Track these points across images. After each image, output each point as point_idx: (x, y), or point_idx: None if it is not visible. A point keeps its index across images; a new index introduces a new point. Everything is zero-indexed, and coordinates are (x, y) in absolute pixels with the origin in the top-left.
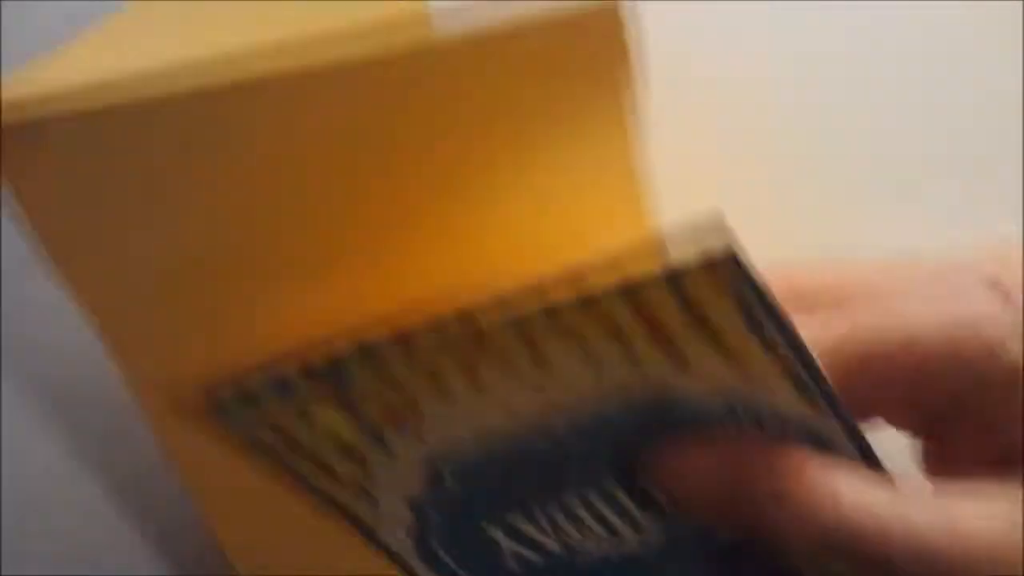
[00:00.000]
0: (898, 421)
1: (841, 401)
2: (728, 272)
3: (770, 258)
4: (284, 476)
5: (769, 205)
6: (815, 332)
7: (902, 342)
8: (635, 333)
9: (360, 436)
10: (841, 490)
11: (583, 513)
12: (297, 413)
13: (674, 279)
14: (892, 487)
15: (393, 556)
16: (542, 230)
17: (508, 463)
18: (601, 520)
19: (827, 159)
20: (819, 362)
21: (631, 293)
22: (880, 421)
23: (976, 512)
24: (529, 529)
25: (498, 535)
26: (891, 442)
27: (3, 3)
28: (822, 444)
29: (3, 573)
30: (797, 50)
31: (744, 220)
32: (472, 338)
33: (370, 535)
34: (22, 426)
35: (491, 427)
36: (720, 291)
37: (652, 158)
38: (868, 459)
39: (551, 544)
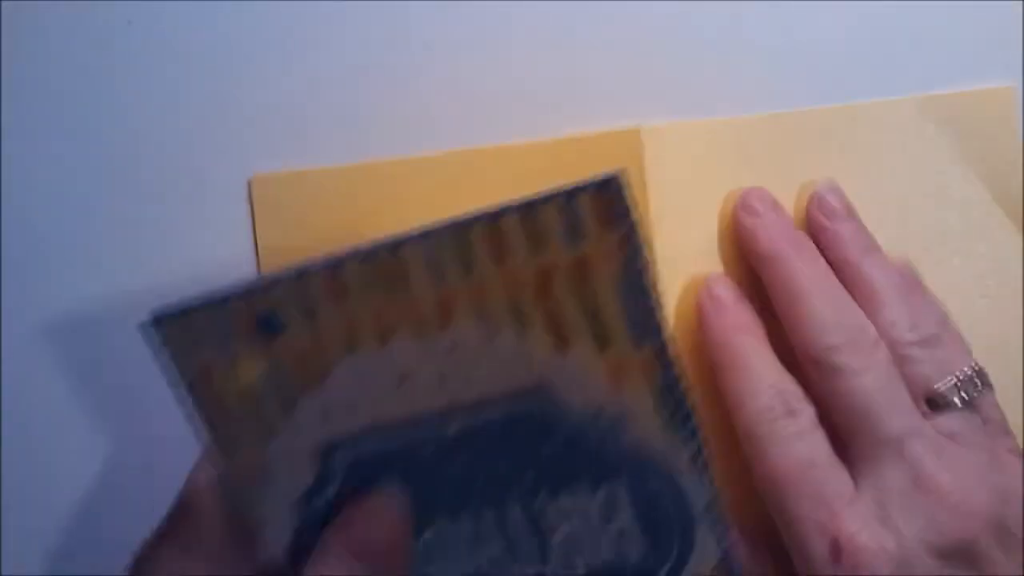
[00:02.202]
0: None
1: (695, 430)
2: (616, 198)
3: None
4: (197, 437)
5: None
6: None
7: None
8: (524, 276)
9: (273, 399)
10: None
11: (451, 546)
12: (226, 363)
13: (569, 196)
14: None
15: (266, 570)
16: None
17: (394, 467)
18: (465, 561)
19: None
20: (681, 377)
21: (527, 209)
22: None
23: None
24: None
25: None
26: None
27: (3, 3)
28: (667, 472)
29: (3, 573)
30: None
31: None
32: (394, 268)
33: (251, 537)
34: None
35: (389, 414)
36: (605, 219)
37: None
38: (712, 503)
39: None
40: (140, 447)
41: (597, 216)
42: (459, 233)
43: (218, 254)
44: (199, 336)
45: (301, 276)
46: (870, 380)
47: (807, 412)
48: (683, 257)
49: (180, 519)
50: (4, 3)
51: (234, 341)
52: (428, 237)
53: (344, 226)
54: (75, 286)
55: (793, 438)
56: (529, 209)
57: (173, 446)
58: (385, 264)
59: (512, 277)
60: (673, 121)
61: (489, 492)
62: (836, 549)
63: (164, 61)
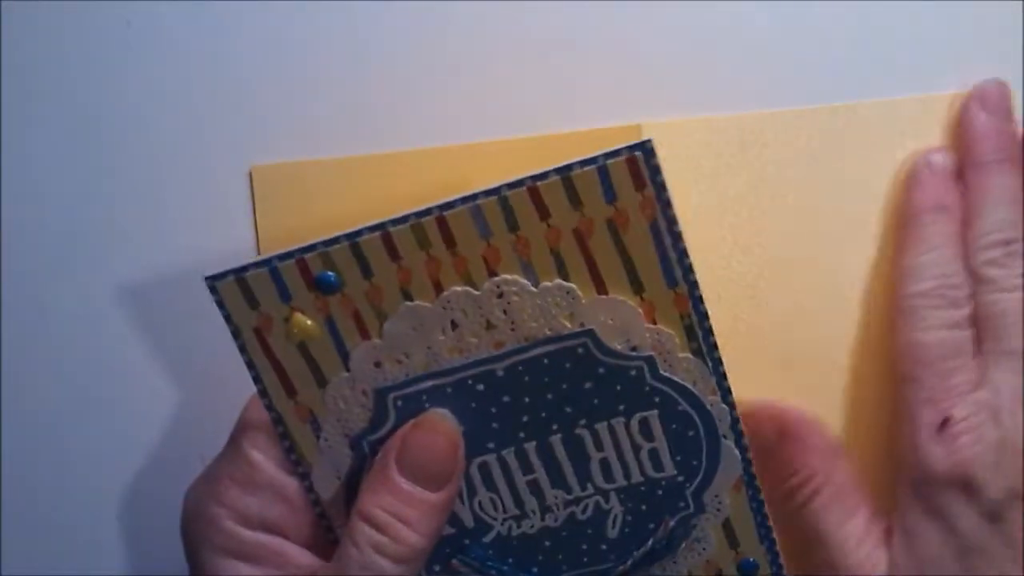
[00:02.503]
0: None
1: (720, 360)
2: (645, 163)
3: None
4: (253, 382)
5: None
6: None
7: None
8: (564, 231)
9: (329, 350)
10: None
11: (497, 474)
12: (282, 319)
13: (603, 166)
14: None
15: (322, 505)
16: None
17: (446, 403)
18: (511, 486)
19: None
20: (708, 313)
21: (565, 174)
22: None
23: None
24: None
25: None
26: None
27: (3, 3)
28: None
29: (3, 573)
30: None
31: None
32: (441, 231)
33: (306, 474)
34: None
35: (441, 358)
36: (636, 183)
37: None
38: (734, 423)
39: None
40: (140, 447)
41: (630, 177)
42: (502, 197)
43: (219, 244)
44: (256, 294)
45: (354, 240)
46: (1013, 298)
47: (966, 310)
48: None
49: (235, 457)
50: (4, 3)
51: (290, 299)
52: (473, 201)
53: (344, 217)
54: (76, 281)
55: (946, 327)
56: (567, 172)
57: (173, 446)
58: (433, 227)
59: (553, 232)
60: (673, 118)
61: (533, 424)
62: (944, 424)
63: (164, 61)
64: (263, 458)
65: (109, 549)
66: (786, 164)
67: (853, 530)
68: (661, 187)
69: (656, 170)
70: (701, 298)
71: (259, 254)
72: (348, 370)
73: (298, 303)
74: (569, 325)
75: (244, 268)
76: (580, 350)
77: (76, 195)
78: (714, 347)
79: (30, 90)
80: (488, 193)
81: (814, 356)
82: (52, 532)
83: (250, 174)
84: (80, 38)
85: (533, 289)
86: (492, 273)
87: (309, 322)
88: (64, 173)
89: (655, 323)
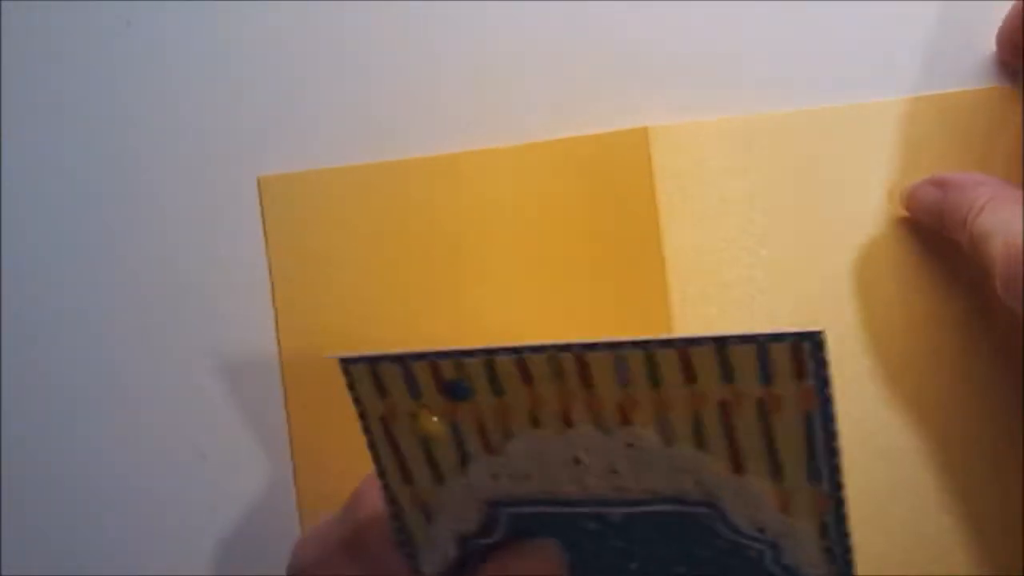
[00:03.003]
0: None
1: (852, 562)
2: (810, 355)
3: None
4: (372, 462)
5: None
6: None
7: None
8: (710, 400)
9: (450, 453)
10: None
11: None
12: (408, 413)
13: (763, 346)
14: None
15: None
16: None
17: (556, 532)
18: None
19: None
20: (847, 516)
21: (721, 345)
22: None
23: None
24: None
25: None
26: None
27: (3, 3)
28: None
29: (3, 573)
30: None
31: None
32: (579, 370)
33: (412, 555)
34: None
35: (558, 488)
36: (797, 372)
37: None
38: None
39: None
40: (140, 447)
41: (791, 364)
42: (649, 352)
43: (228, 253)
44: (387, 385)
45: (490, 356)
46: None
47: None
48: (690, 255)
49: (353, 534)
50: (4, 3)
51: (420, 397)
52: (617, 349)
53: (352, 225)
54: (78, 285)
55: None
56: (723, 344)
57: (173, 446)
58: (571, 363)
59: (697, 398)
60: (680, 121)
61: (640, 574)
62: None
63: (163, 61)
64: (377, 536)
65: (109, 549)
66: (793, 165)
67: None
68: (824, 382)
69: (822, 364)
70: (843, 501)
71: (269, 264)
72: (466, 476)
73: (427, 402)
74: (695, 492)
75: (378, 358)
76: (703, 519)
77: (76, 195)
78: (848, 550)
79: (30, 90)
80: (636, 345)
81: None
82: (52, 532)
83: (258, 183)
84: (80, 38)
85: (664, 448)
86: (626, 422)
87: (435, 420)
88: (64, 175)
89: (788, 514)
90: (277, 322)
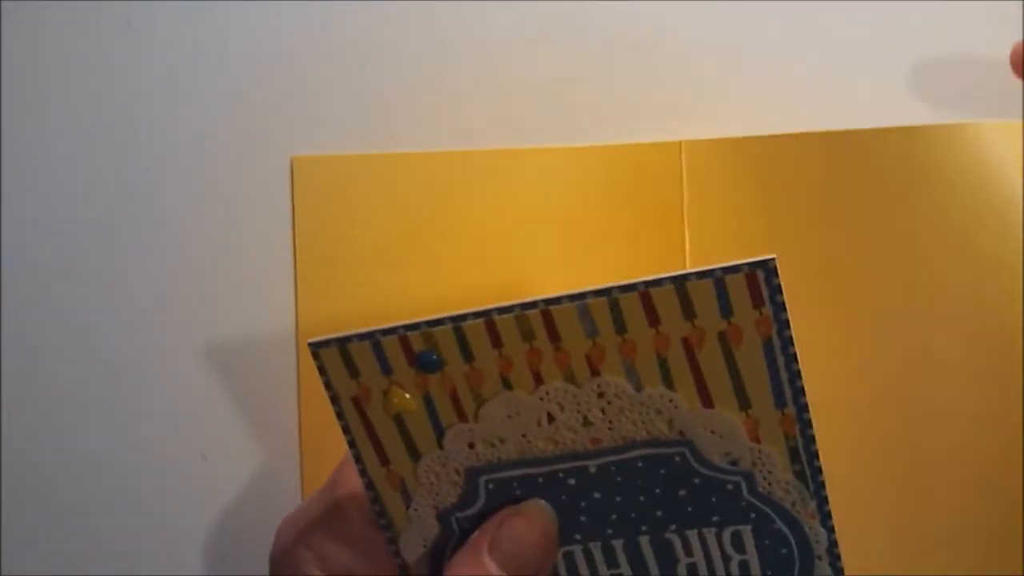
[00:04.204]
0: None
1: (823, 483)
2: (765, 282)
3: None
4: (348, 447)
5: None
6: None
7: None
8: (674, 339)
9: (425, 426)
10: None
11: (581, 564)
12: (381, 391)
13: (720, 280)
14: None
15: (406, 570)
16: None
17: (536, 493)
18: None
19: None
20: (815, 437)
21: (680, 283)
22: None
23: None
24: None
25: None
26: None
27: (3, 3)
28: (797, 526)
29: (3, 573)
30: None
31: None
32: (546, 325)
33: (393, 539)
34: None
35: (534, 448)
36: (754, 300)
37: None
38: (832, 546)
39: None
40: (141, 445)
41: (748, 294)
42: (612, 299)
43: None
44: (357, 365)
45: (458, 323)
46: None
47: None
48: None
49: (330, 505)
50: (4, 3)
51: (391, 373)
52: (581, 300)
53: (381, 212)
54: (79, 276)
55: None
56: (682, 282)
57: (173, 446)
58: (538, 319)
59: (662, 339)
60: (712, 137)
61: (622, 523)
62: None
63: (163, 61)
64: (357, 513)
65: (109, 549)
66: (822, 185)
67: None
68: (780, 307)
69: (776, 289)
70: (810, 422)
71: (294, 245)
72: (442, 448)
73: (398, 377)
74: (668, 433)
75: (347, 338)
76: (677, 458)
77: (76, 195)
78: (818, 471)
79: (30, 90)
80: (598, 293)
81: (848, 385)
82: (52, 532)
83: (291, 163)
84: (80, 38)
85: (635, 393)
86: (595, 372)
87: (407, 396)
88: (64, 174)
89: (759, 441)
90: (297, 307)
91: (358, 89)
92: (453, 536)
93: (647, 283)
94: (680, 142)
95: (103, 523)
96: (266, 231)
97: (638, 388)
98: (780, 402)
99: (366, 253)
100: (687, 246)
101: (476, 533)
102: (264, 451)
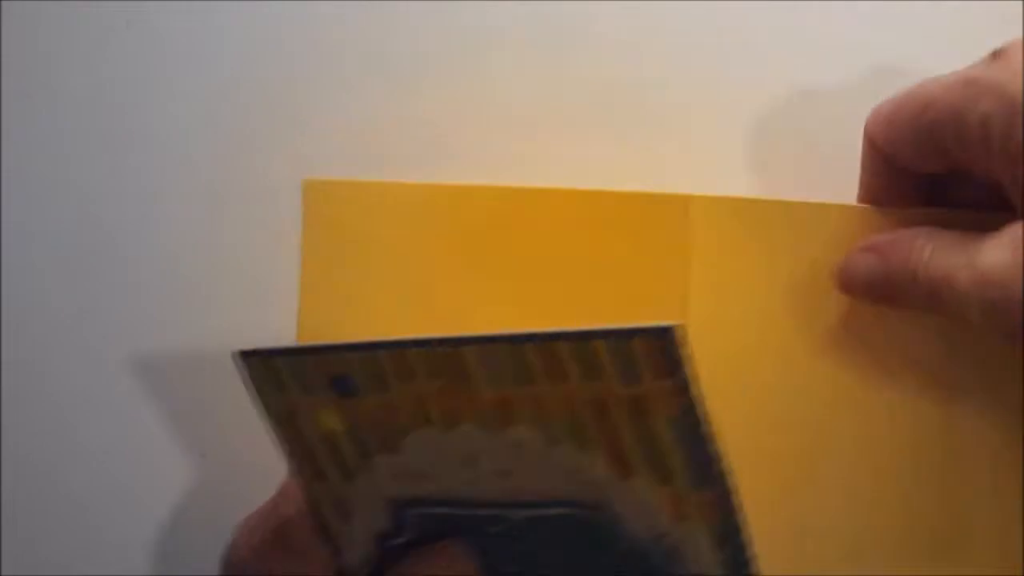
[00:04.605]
0: (918, 165)
1: (756, 562)
2: (667, 352)
3: None
4: (285, 460)
5: None
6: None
7: (918, 104)
8: (581, 400)
9: (352, 449)
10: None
11: None
12: (309, 409)
13: (623, 336)
14: None
15: None
16: None
17: (464, 533)
18: None
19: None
20: (742, 517)
21: (582, 341)
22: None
23: (989, 245)
24: None
25: None
26: None
27: (3, 3)
28: None
29: (3, 574)
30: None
31: None
32: (455, 364)
33: (336, 552)
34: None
35: (456, 490)
36: (659, 370)
37: None
38: None
39: None
40: (140, 447)
41: (651, 362)
42: (514, 346)
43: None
44: (283, 379)
45: (370, 350)
46: None
47: None
48: (717, 330)
49: (274, 514)
50: (4, 3)
51: (314, 392)
52: (485, 343)
53: (387, 242)
54: (77, 281)
55: None
56: (583, 339)
57: (173, 446)
58: (446, 357)
59: (569, 397)
60: (722, 195)
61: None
62: None
63: (163, 61)
64: (301, 529)
65: (109, 549)
66: (831, 257)
67: None
68: (686, 381)
69: (680, 361)
70: (733, 508)
71: (302, 267)
72: (370, 473)
73: (322, 398)
74: (587, 495)
75: (274, 352)
76: (603, 523)
77: (75, 195)
78: (749, 562)
79: (30, 90)
80: (504, 339)
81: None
82: (52, 532)
83: (302, 187)
84: (80, 38)
85: (548, 450)
86: (507, 421)
87: (334, 418)
88: (63, 174)
89: (681, 519)
90: (299, 308)
91: (369, 108)
92: (387, 561)
93: (549, 335)
94: (688, 195)
95: (103, 523)
96: (272, 243)
97: (551, 444)
98: (698, 483)
99: (372, 281)
100: (688, 305)
101: (396, 567)
102: (264, 451)
